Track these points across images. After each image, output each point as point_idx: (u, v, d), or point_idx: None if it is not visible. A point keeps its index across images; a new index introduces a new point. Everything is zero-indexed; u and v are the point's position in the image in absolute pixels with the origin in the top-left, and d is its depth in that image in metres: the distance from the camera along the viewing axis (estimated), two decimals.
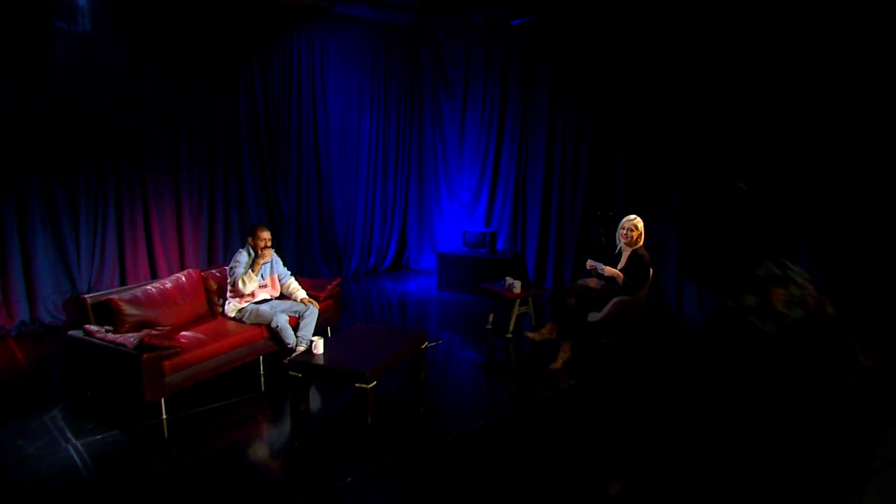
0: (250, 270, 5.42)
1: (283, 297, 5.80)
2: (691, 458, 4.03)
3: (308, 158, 8.70)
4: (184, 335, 4.85)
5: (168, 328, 4.95)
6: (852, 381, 1.83)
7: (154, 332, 4.55)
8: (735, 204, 1.88)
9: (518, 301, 6.59)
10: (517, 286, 6.49)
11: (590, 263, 5.85)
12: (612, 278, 5.65)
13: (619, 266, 5.69)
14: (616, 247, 5.86)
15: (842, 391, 1.91)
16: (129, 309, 4.79)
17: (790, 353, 1.68)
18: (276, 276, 5.79)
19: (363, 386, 4.32)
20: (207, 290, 5.63)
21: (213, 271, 5.84)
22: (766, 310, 1.74)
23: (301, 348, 5.30)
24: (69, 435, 4.20)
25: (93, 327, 4.68)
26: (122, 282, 6.92)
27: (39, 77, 6.21)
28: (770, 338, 1.65)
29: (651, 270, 5.64)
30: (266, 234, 5.58)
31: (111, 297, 4.83)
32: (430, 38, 9.43)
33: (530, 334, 6.16)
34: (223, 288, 5.60)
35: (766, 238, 1.93)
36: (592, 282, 5.97)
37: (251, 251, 5.55)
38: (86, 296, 4.88)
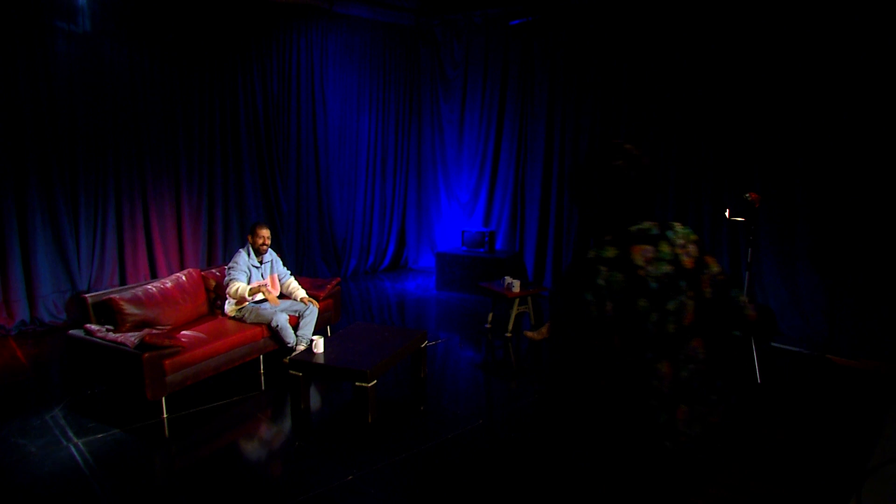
0: (248, 287, 5.41)
1: (282, 296, 5.82)
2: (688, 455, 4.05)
3: (307, 158, 8.72)
4: (184, 334, 4.86)
5: (168, 327, 4.98)
6: (741, 332, 2.00)
7: (155, 331, 4.57)
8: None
9: (517, 300, 6.61)
10: (516, 285, 6.51)
11: None
12: None
13: None
14: None
15: (731, 341, 2.03)
16: (129, 308, 4.81)
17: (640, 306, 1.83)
18: (276, 275, 5.81)
19: (363, 385, 4.34)
20: (207, 290, 5.65)
21: (214, 271, 5.86)
22: (624, 262, 1.84)
23: (301, 347, 5.33)
24: (70, 434, 4.21)
25: (94, 326, 4.69)
26: (122, 281, 6.94)
27: (39, 77, 6.22)
28: (598, 289, 1.80)
29: None
30: (265, 232, 5.60)
31: (112, 296, 4.84)
32: (430, 38, 9.45)
33: (529, 333, 6.18)
34: (223, 287, 5.61)
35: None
36: None
37: (251, 250, 5.57)
38: (86, 295, 4.90)
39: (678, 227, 2.02)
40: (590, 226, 2.02)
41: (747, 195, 5.47)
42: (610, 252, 1.88)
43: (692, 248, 1.99)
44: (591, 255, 1.88)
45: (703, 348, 1.98)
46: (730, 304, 2.02)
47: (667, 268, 1.90)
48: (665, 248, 1.93)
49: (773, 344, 6.21)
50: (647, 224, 1.96)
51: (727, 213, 5.74)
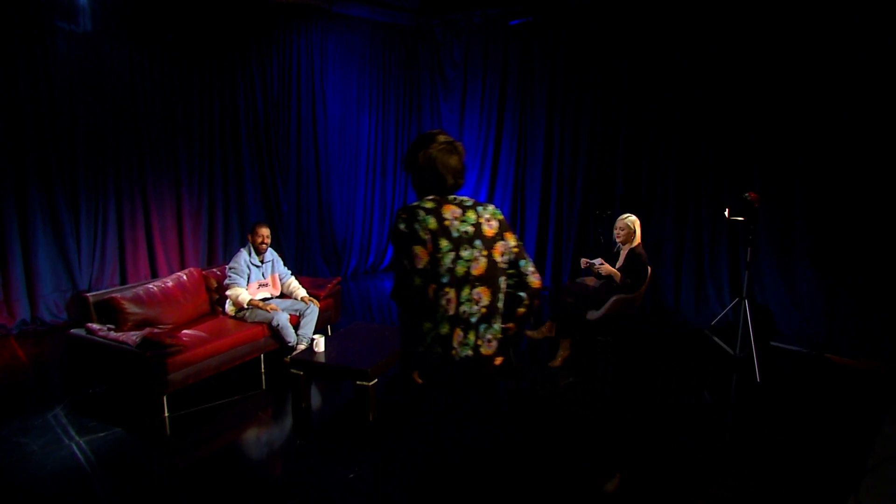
0: (248, 299, 5.41)
1: (283, 295, 5.84)
2: (687, 455, 4.07)
3: (307, 158, 8.73)
4: (185, 333, 4.87)
5: (170, 326, 4.99)
6: (525, 294, 2.72)
7: (156, 330, 4.58)
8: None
9: None
10: None
11: (584, 262, 5.90)
12: (609, 277, 5.69)
13: (617, 265, 5.72)
14: (614, 246, 5.89)
15: (518, 301, 2.72)
16: (131, 307, 4.82)
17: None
18: (276, 275, 5.82)
19: (364, 384, 4.35)
20: (208, 289, 5.66)
21: (214, 270, 5.87)
22: (436, 213, 2.54)
23: (302, 347, 5.34)
24: (72, 432, 4.22)
25: (95, 326, 4.70)
26: (123, 281, 6.95)
27: (39, 77, 6.23)
28: (418, 222, 2.52)
29: (649, 269, 5.68)
30: (264, 231, 5.61)
31: (113, 295, 4.85)
32: (429, 38, 9.46)
33: (529, 332, 6.20)
34: (223, 287, 5.63)
35: None
36: (591, 280, 6.02)
37: (251, 249, 5.58)
38: (88, 294, 4.91)
39: (490, 206, 2.69)
40: (418, 189, 2.68)
41: (747, 195, 5.49)
42: (429, 204, 2.58)
43: (495, 223, 2.64)
44: (415, 204, 2.59)
45: (487, 297, 2.58)
46: (518, 271, 2.70)
47: (469, 228, 2.56)
48: (471, 215, 2.59)
49: (773, 343, 6.23)
50: (465, 198, 2.66)
51: (727, 213, 5.75)
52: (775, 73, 6.24)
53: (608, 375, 5.50)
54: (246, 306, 5.36)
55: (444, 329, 2.52)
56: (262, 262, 5.66)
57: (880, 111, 5.66)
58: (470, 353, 2.57)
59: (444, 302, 2.50)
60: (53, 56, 6.30)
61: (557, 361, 5.64)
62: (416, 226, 2.50)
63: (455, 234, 2.52)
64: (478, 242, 2.56)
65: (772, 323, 6.43)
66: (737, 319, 5.83)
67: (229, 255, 7.76)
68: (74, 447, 4.03)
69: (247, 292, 5.43)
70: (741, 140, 6.54)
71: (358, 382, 4.38)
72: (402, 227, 2.52)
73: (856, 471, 3.88)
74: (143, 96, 6.98)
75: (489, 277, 2.58)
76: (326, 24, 8.62)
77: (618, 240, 5.73)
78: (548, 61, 8.24)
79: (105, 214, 6.85)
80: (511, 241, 2.67)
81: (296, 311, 5.58)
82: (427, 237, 2.49)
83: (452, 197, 2.64)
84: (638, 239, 5.64)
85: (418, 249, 2.49)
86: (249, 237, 5.62)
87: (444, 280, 2.49)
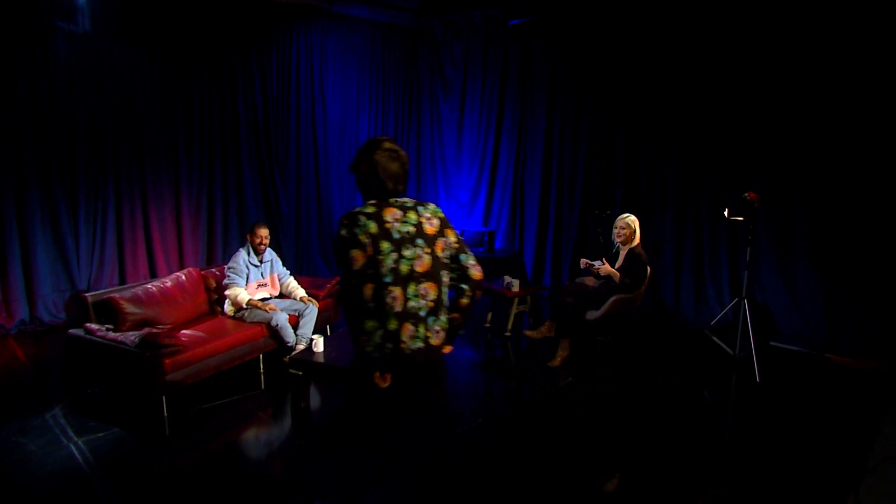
0: (247, 299, 5.41)
1: (282, 295, 5.83)
2: (686, 455, 4.06)
3: (307, 158, 8.72)
4: (184, 333, 4.87)
5: (169, 326, 4.98)
6: (468, 286, 2.88)
7: (155, 330, 4.57)
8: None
9: (516, 299, 6.62)
10: (515, 285, 6.52)
11: (584, 262, 5.90)
12: (608, 277, 5.69)
13: (617, 265, 5.72)
14: (614, 246, 5.89)
15: (461, 293, 2.89)
16: (129, 307, 4.82)
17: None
18: (275, 275, 5.81)
19: None
20: (207, 289, 5.66)
21: (213, 270, 5.87)
22: (377, 217, 2.66)
23: (301, 347, 5.33)
24: (71, 433, 4.21)
25: (94, 326, 4.69)
26: (122, 281, 6.95)
27: (39, 77, 6.23)
28: (359, 228, 2.62)
29: (648, 269, 5.67)
30: (263, 232, 5.60)
31: (112, 295, 4.85)
32: (429, 38, 9.46)
33: (529, 332, 6.19)
34: (222, 287, 5.62)
35: None
36: (590, 280, 6.01)
37: (250, 249, 5.58)
38: (87, 294, 4.90)
39: (430, 206, 2.84)
40: (362, 193, 2.80)
41: (746, 195, 5.49)
42: (370, 209, 2.69)
43: (436, 221, 2.79)
44: (357, 210, 2.69)
45: (434, 291, 2.74)
46: (459, 265, 2.86)
47: (410, 228, 2.70)
48: (412, 216, 2.73)
49: (773, 343, 6.22)
50: (407, 200, 2.78)
51: (727, 213, 5.75)
52: (775, 73, 6.24)
53: (608, 375, 5.49)
54: (245, 306, 5.36)
55: (393, 325, 2.64)
56: (260, 261, 5.66)
57: (880, 111, 5.66)
58: (421, 345, 2.71)
59: (389, 300, 2.62)
60: (53, 56, 6.30)
61: (557, 361, 5.64)
62: (357, 230, 2.62)
63: (396, 236, 2.66)
64: (420, 241, 2.72)
65: (772, 323, 6.43)
66: (737, 319, 5.82)
67: (228, 255, 7.75)
68: (73, 447, 4.02)
69: (246, 292, 5.42)
70: (741, 140, 6.54)
71: None
72: (343, 232, 2.64)
73: (855, 471, 3.87)
74: (142, 96, 6.98)
75: (433, 273, 2.75)
76: (326, 24, 8.61)
77: (618, 240, 5.72)
78: (548, 61, 8.23)
79: (104, 214, 6.85)
80: (451, 237, 2.85)
81: (295, 311, 5.57)
82: (367, 241, 2.61)
83: (393, 200, 2.76)
84: (638, 239, 5.64)
85: (355, 253, 2.60)
86: (248, 237, 5.62)
87: (388, 280, 2.62)
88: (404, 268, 2.66)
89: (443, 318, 2.81)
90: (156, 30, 6.97)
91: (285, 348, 5.34)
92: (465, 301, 2.91)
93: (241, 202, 8.07)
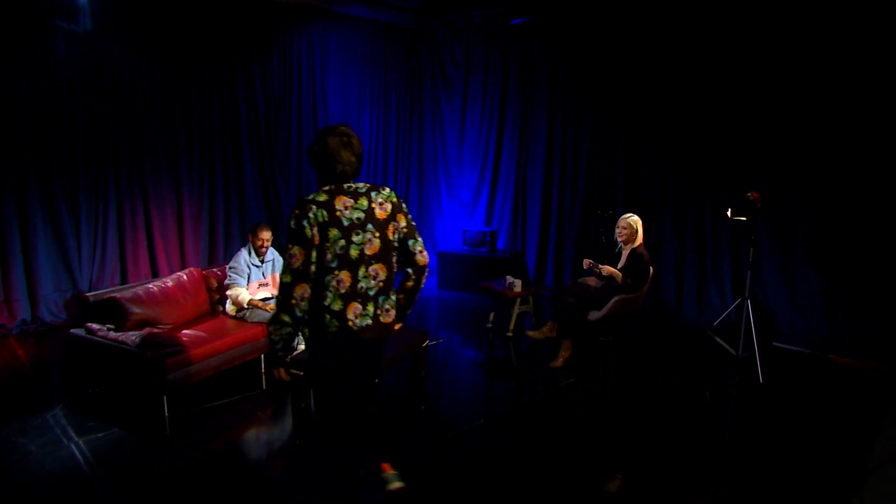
0: (248, 299, 5.41)
1: None
2: (687, 455, 4.05)
3: (307, 158, 8.70)
4: (185, 333, 4.86)
5: (170, 326, 4.97)
6: (412, 270, 3.08)
7: (156, 330, 4.57)
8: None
9: (518, 300, 6.61)
10: (517, 285, 6.51)
11: (587, 262, 5.89)
12: (610, 277, 5.68)
13: (619, 265, 5.71)
14: (616, 246, 5.87)
15: (406, 276, 3.11)
16: (131, 307, 4.81)
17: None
18: (276, 274, 5.80)
19: None
20: (209, 289, 5.65)
21: (215, 270, 5.86)
22: (328, 205, 2.83)
23: (302, 347, 5.32)
24: (71, 433, 4.21)
25: (95, 326, 4.69)
26: (123, 280, 6.95)
27: (39, 76, 6.23)
28: (308, 218, 2.78)
29: (651, 269, 5.66)
30: (265, 235, 5.59)
31: (113, 295, 4.85)
32: (430, 38, 9.45)
33: (531, 333, 6.18)
34: (224, 287, 5.62)
35: None
36: (592, 280, 6.00)
37: (251, 248, 5.57)
38: (88, 294, 4.91)
39: (385, 190, 3.00)
40: (318, 174, 2.95)
41: (749, 195, 5.47)
42: (322, 197, 2.84)
43: (388, 206, 2.97)
44: (310, 198, 2.83)
45: (384, 272, 2.95)
46: (406, 249, 3.04)
47: (360, 214, 2.87)
48: (363, 202, 2.90)
49: (775, 344, 6.21)
50: (360, 185, 2.95)
51: (729, 213, 5.73)
52: (775, 73, 6.22)
53: (609, 376, 5.48)
54: (246, 306, 5.35)
55: (338, 305, 2.83)
56: (262, 261, 5.65)
57: (880, 111, 5.64)
58: (369, 322, 2.91)
59: (334, 283, 2.83)
60: (53, 56, 6.30)
61: (559, 362, 5.63)
62: (305, 223, 2.77)
63: (346, 223, 2.84)
64: (370, 226, 2.90)
65: (774, 323, 6.42)
66: (739, 320, 5.81)
67: (230, 255, 7.75)
68: (73, 447, 4.02)
69: (247, 292, 5.42)
70: (741, 140, 6.53)
71: None
72: (292, 224, 2.80)
73: (856, 471, 3.86)
74: (143, 96, 6.99)
75: (384, 255, 2.95)
76: (327, 23, 8.61)
77: (620, 240, 5.71)
78: (548, 61, 8.22)
79: (105, 214, 6.85)
80: (402, 221, 3.04)
81: None
82: (313, 233, 2.77)
83: (347, 186, 2.92)
84: (640, 239, 5.62)
85: (296, 251, 2.76)
86: (250, 237, 5.61)
87: (334, 265, 2.82)
88: (354, 252, 2.86)
89: (393, 297, 3.03)
90: (156, 29, 6.97)
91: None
92: (410, 284, 3.11)
93: (242, 202, 8.07)
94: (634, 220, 5.63)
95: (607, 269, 5.67)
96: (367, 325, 2.90)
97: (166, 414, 4.49)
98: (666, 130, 7.14)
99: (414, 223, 3.11)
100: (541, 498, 3.57)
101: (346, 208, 2.85)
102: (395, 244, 3.02)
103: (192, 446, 4.18)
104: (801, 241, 6.21)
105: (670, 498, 3.61)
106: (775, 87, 6.25)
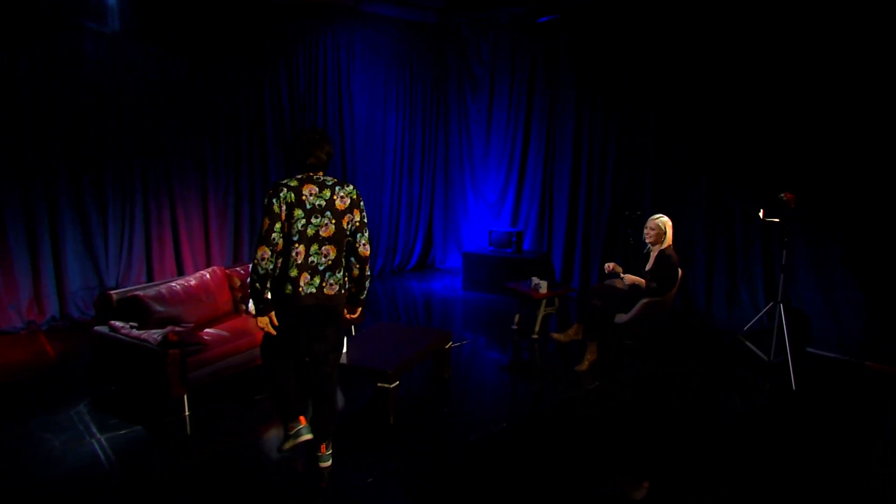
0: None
1: None
2: (713, 462, 3.92)
3: (334, 157, 8.69)
4: (208, 332, 4.86)
5: (192, 325, 4.96)
6: (355, 260, 3.63)
7: (178, 328, 4.56)
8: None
9: (544, 301, 6.51)
10: (543, 286, 6.41)
11: (608, 266, 5.78)
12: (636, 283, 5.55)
13: (647, 266, 5.58)
14: (645, 247, 5.74)
15: (349, 265, 3.67)
16: (153, 305, 4.81)
17: None
18: None
19: (385, 385, 4.28)
20: (232, 288, 5.64)
21: (238, 269, 5.85)
22: (296, 190, 3.44)
23: None
24: (94, 429, 4.23)
25: (118, 323, 4.70)
26: (150, 278, 7.01)
27: (68, 77, 6.31)
28: (279, 198, 3.44)
29: (679, 271, 5.52)
30: None
31: (136, 293, 4.86)
32: (456, 36, 9.39)
33: (556, 335, 6.08)
34: (247, 286, 5.61)
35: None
36: (619, 283, 5.87)
37: None
38: (111, 292, 4.92)
39: (348, 187, 3.55)
40: (294, 168, 3.71)
41: (782, 195, 5.30)
42: (293, 182, 3.45)
43: (347, 200, 3.52)
44: (283, 181, 3.45)
45: (334, 253, 3.52)
46: (353, 241, 3.60)
47: (321, 202, 3.45)
48: (326, 193, 3.48)
49: (809, 349, 6.02)
50: (329, 179, 3.52)
51: (761, 214, 5.56)
52: (816, 65, 6.02)
53: (634, 381, 5.35)
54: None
55: (294, 273, 3.44)
56: None
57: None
58: (314, 290, 3.48)
59: (293, 254, 3.41)
60: (82, 57, 6.38)
61: (584, 366, 5.52)
62: (276, 200, 3.38)
63: (309, 206, 3.42)
64: (328, 213, 3.47)
65: (808, 328, 6.22)
66: (771, 324, 5.64)
67: (254, 253, 7.76)
68: (95, 444, 4.03)
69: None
70: (776, 137, 6.33)
71: (378, 384, 4.32)
72: (265, 201, 3.43)
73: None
74: (169, 96, 7.03)
75: (336, 239, 3.51)
76: (353, 22, 8.60)
77: (648, 241, 5.58)
78: (575, 59, 8.10)
79: (132, 213, 6.92)
80: (357, 216, 3.58)
81: None
82: (280, 210, 3.37)
83: (317, 177, 3.50)
84: (669, 240, 5.48)
85: (266, 220, 3.37)
86: None
87: (295, 239, 3.40)
88: (311, 231, 3.43)
89: (338, 275, 3.56)
90: (183, 29, 7.01)
91: None
92: (356, 273, 3.66)
93: None
94: (663, 220, 5.49)
95: (630, 277, 5.54)
96: (311, 293, 3.47)
97: (187, 413, 4.49)
98: (697, 128, 6.96)
99: (366, 221, 3.64)
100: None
101: (311, 195, 3.43)
102: (348, 234, 3.57)
103: (211, 445, 4.16)
104: (838, 244, 6.00)
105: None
106: (814, 81, 6.04)
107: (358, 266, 3.62)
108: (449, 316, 7.58)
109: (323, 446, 3.76)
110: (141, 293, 4.87)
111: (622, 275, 5.61)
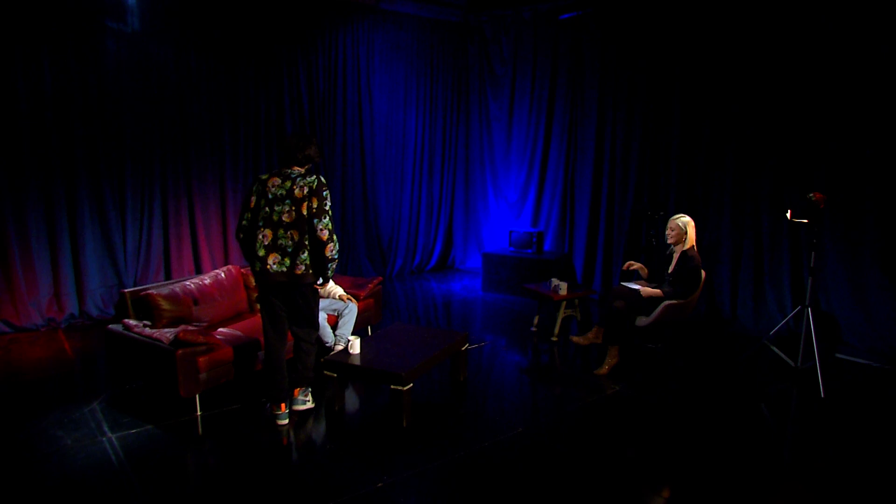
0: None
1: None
2: (736, 467, 3.78)
3: (353, 156, 8.67)
4: (220, 331, 4.82)
5: (205, 324, 4.93)
6: (311, 243, 4.10)
7: (190, 327, 4.52)
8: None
9: (564, 303, 6.38)
10: (563, 288, 6.29)
11: (629, 266, 5.66)
12: (659, 282, 5.39)
13: (670, 268, 5.43)
14: (668, 248, 5.59)
15: (308, 247, 4.10)
16: (166, 304, 4.79)
17: None
18: None
19: (399, 388, 4.20)
20: (247, 287, 5.61)
21: None
22: (265, 182, 4.13)
23: (339, 347, 5.23)
24: (105, 428, 4.21)
25: (132, 322, 4.68)
26: (167, 277, 7.02)
27: (89, 76, 6.33)
28: (253, 190, 4.17)
29: (703, 273, 5.36)
30: None
31: (149, 291, 4.83)
32: (477, 34, 9.29)
33: (576, 338, 5.95)
34: None
35: None
36: (641, 284, 5.73)
37: None
38: (126, 290, 4.90)
39: (309, 178, 4.03)
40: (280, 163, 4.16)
41: (811, 195, 5.12)
42: (265, 176, 4.11)
43: (306, 189, 3.97)
44: (261, 176, 4.13)
45: (297, 236, 4.00)
46: (311, 226, 3.99)
47: (282, 192, 4.00)
48: (287, 184, 4.01)
49: (839, 355, 5.81)
50: (294, 170, 4.08)
51: (789, 215, 5.39)
52: (846, 62, 5.82)
53: (656, 384, 5.21)
54: (337, 297, 5.30)
55: (262, 253, 4.03)
56: None
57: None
58: (283, 269, 4.02)
59: (260, 237, 4.03)
60: (103, 55, 6.40)
61: (604, 370, 5.38)
62: (252, 189, 4.11)
63: (271, 196, 4.02)
64: (288, 201, 3.98)
65: (837, 332, 6.02)
66: (799, 328, 5.44)
67: None
68: (106, 443, 4.00)
69: (338, 287, 5.37)
70: (804, 134, 6.14)
71: (392, 387, 4.23)
72: (252, 190, 4.12)
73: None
74: (188, 94, 7.04)
75: (297, 224, 3.98)
76: (373, 20, 8.55)
77: (669, 241, 5.43)
78: (598, 57, 7.96)
79: (151, 211, 6.94)
80: (314, 203, 3.98)
81: (334, 310, 5.47)
82: (253, 197, 4.09)
83: (283, 171, 4.09)
84: (691, 240, 5.33)
85: (242, 206, 4.16)
86: None
87: (260, 224, 4.03)
88: (275, 217, 4.00)
89: (303, 255, 4.02)
90: (202, 28, 7.01)
91: (323, 348, 5.24)
92: (316, 254, 4.06)
93: None
94: (684, 220, 5.34)
95: (647, 290, 5.39)
96: (282, 272, 4.01)
97: (198, 412, 4.45)
98: (722, 126, 6.78)
99: (326, 208, 4.02)
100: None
101: (274, 186, 4.03)
102: (307, 219, 3.97)
103: (223, 445, 4.11)
104: (870, 244, 5.79)
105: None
106: (843, 76, 5.84)
107: (317, 248, 4.02)
108: (468, 317, 7.48)
109: (297, 391, 4.46)
110: (154, 291, 4.84)
111: (641, 289, 5.46)
